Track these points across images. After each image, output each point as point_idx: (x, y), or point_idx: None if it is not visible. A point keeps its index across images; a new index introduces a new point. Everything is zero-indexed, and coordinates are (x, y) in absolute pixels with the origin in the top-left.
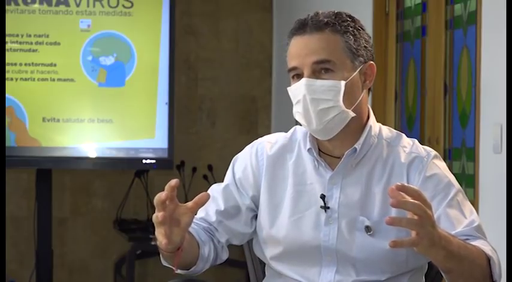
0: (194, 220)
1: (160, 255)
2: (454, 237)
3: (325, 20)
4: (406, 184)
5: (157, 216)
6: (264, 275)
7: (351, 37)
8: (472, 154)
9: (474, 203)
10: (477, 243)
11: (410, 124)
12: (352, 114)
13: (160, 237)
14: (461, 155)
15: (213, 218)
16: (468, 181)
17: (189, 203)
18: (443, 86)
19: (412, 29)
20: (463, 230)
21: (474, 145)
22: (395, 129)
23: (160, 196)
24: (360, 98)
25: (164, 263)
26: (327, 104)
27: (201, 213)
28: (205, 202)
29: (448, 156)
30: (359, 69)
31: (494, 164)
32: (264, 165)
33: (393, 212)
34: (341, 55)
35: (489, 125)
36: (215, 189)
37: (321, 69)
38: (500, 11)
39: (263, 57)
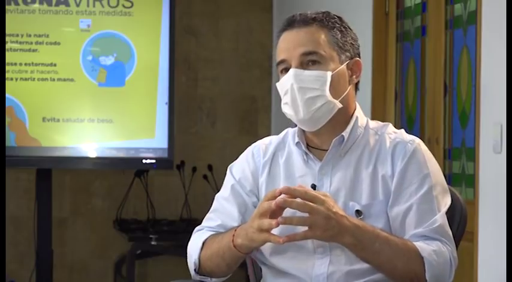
0: (211, 229)
1: (194, 266)
2: (375, 230)
3: (313, 15)
4: (291, 187)
5: (269, 223)
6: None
7: (338, 32)
8: (472, 154)
9: (474, 203)
10: (425, 244)
11: (410, 124)
12: (339, 105)
13: (276, 238)
14: (461, 155)
15: (232, 222)
16: (468, 181)
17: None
18: (443, 86)
19: (412, 29)
20: (423, 230)
21: (474, 145)
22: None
23: (277, 203)
24: (346, 91)
25: (198, 276)
26: (314, 92)
27: (216, 220)
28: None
29: (448, 156)
30: (346, 63)
31: (494, 164)
32: (261, 166)
33: (380, 196)
34: (328, 48)
35: (489, 125)
36: (222, 197)
37: (309, 61)
38: (500, 11)
39: (263, 57)
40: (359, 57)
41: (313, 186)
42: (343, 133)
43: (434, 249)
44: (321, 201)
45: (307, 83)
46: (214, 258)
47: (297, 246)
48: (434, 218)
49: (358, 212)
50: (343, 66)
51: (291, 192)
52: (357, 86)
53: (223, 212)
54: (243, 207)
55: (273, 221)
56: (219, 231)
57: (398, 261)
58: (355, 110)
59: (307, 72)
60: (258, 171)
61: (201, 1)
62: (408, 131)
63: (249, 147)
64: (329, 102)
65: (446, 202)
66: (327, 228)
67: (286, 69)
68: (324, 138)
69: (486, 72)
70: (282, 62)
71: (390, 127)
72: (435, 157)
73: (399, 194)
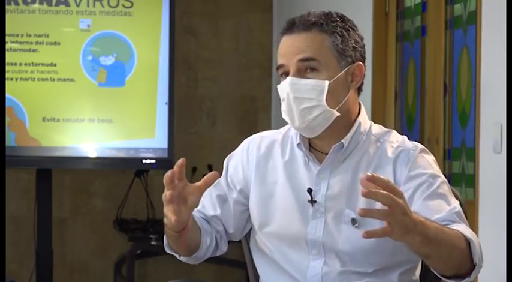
0: (193, 211)
1: (165, 241)
2: (432, 222)
3: (313, 19)
4: (375, 175)
5: (165, 194)
6: None
7: (338, 37)
8: (472, 154)
9: (474, 203)
10: (456, 227)
11: (410, 124)
12: (337, 113)
13: (169, 214)
14: (461, 155)
15: (210, 210)
16: (468, 181)
17: (198, 182)
18: (443, 86)
19: (412, 29)
20: (443, 216)
21: (474, 145)
22: (394, 129)
23: (168, 174)
24: (346, 98)
25: (168, 250)
26: (309, 103)
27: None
28: (214, 181)
29: (448, 156)
30: (345, 69)
31: (494, 164)
32: (254, 160)
33: (377, 205)
34: (326, 54)
35: (489, 125)
36: (213, 185)
37: (306, 68)
38: (500, 11)
39: (263, 57)
40: (363, 59)
41: (309, 190)
42: (342, 140)
43: (470, 231)
44: (400, 194)
45: (303, 92)
46: (167, 236)
47: (293, 245)
48: (452, 205)
49: (353, 221)
50: (342, 72)
51: (375, 180)
52: (360, 88)
53: (204, 198)
54: (222, 199)
55: (168, 192)
56: (199, 215)
57: (455, 249)
58: (358, 114)
59: (303, 82)
60: (249, 165)
61: (201, 1)
62: (408, 131)
63: (247, 140)
64: (326, 112)
65: (455, 198)
66: (403, 225)
67: (286, 74)
68: (324, 143)
69: (486, 72)
70: (280, 66)
71: (393, 135)
72: (435, 157)
73: (412, 195)
